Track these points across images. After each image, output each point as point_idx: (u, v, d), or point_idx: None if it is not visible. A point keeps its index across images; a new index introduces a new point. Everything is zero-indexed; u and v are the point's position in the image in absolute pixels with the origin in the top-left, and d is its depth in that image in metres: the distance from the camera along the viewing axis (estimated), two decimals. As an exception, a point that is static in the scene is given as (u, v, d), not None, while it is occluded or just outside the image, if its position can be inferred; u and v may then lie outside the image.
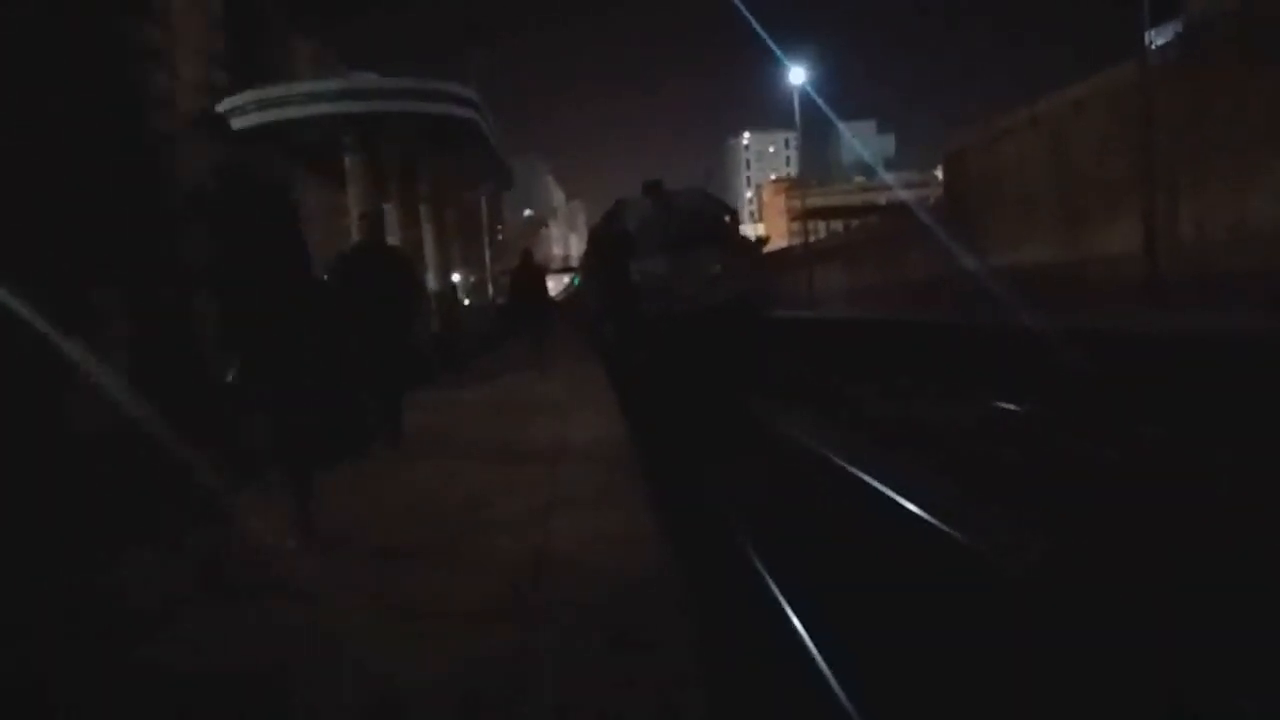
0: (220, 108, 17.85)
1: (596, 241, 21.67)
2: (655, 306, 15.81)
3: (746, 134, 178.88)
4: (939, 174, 49.15)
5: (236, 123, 17.58)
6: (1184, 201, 14.82)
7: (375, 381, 7.32)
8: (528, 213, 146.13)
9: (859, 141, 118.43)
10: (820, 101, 36.97)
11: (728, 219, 17.13)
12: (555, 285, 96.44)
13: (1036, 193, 19.77)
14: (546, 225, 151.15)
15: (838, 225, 50.25)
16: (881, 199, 53.28)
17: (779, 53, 36.68)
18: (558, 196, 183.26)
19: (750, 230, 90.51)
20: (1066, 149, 18.64)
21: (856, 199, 63.12)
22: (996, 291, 18.66)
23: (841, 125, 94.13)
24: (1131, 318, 13.36)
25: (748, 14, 51.20)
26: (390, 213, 20.12)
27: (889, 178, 66.05)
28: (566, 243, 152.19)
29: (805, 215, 39.79)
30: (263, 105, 16.92)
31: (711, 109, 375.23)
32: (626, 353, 16.40)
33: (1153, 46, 15.53)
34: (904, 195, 32.75)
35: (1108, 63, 17.20)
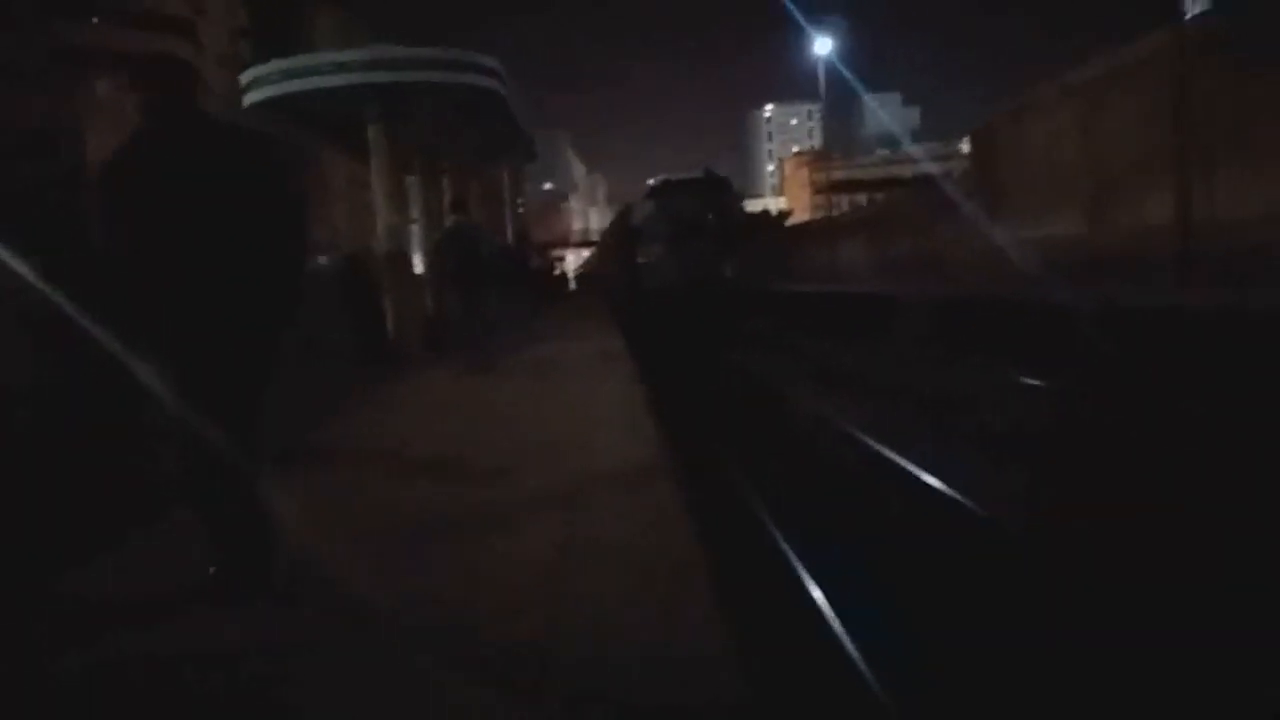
0: (245, 78, 17.84)
1: (612, 232, 32.27)
2: (654, 280, 22.88)
3: (769, 106, 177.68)
4: (963, 147, 48.57)
5: (261, 94, 17.64)
6: (1218, 175, 14.56)
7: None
8: (548, 186, 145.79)
9: (885, 114, 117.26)
10: (846, 72, 36.32)
11: (710, 217, 23.86)
12: (575, 259, 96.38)
13: (1066, 164, 19.49)
14: (567, 199, 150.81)
15: (860, 199, 49.85)
16: (906, 172, 52.75)
17: (804, 23, 36.16)
18: (578, 170, 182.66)
19: (771, 204, 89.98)
20: (1098, 120, 18.34)
21: (880, 172, 62.58)
22: (1020, 265, 18.56)
23: (867, 96, 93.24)
24: (1159, 292, 13.20)
25: (772, -16, 50.38)
26: (413, 184, 20.12)
27: (917, 149, 65.46)
28: (586, 217, 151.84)
29: (830, 189, 39.46)
30: (288, 75, 16.86)
31: (734, 81, 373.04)
32: (632, 310, 22.37)
33: (1188, 16, 15.23)
34: (931, 168, 32.44)
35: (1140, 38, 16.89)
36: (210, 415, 3.16)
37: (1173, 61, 14.54)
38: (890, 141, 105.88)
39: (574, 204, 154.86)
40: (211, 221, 3.12)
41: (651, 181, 36.68)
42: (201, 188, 3.13)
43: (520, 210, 60.96)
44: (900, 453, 7.64)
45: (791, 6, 36.00)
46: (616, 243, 30.25)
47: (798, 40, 39.49)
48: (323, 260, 31.18)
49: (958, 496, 6.27)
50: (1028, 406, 10.26)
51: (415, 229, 21.04)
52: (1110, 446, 7.86)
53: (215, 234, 3.12)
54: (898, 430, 8.78)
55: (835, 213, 38.72)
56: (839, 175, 51.17)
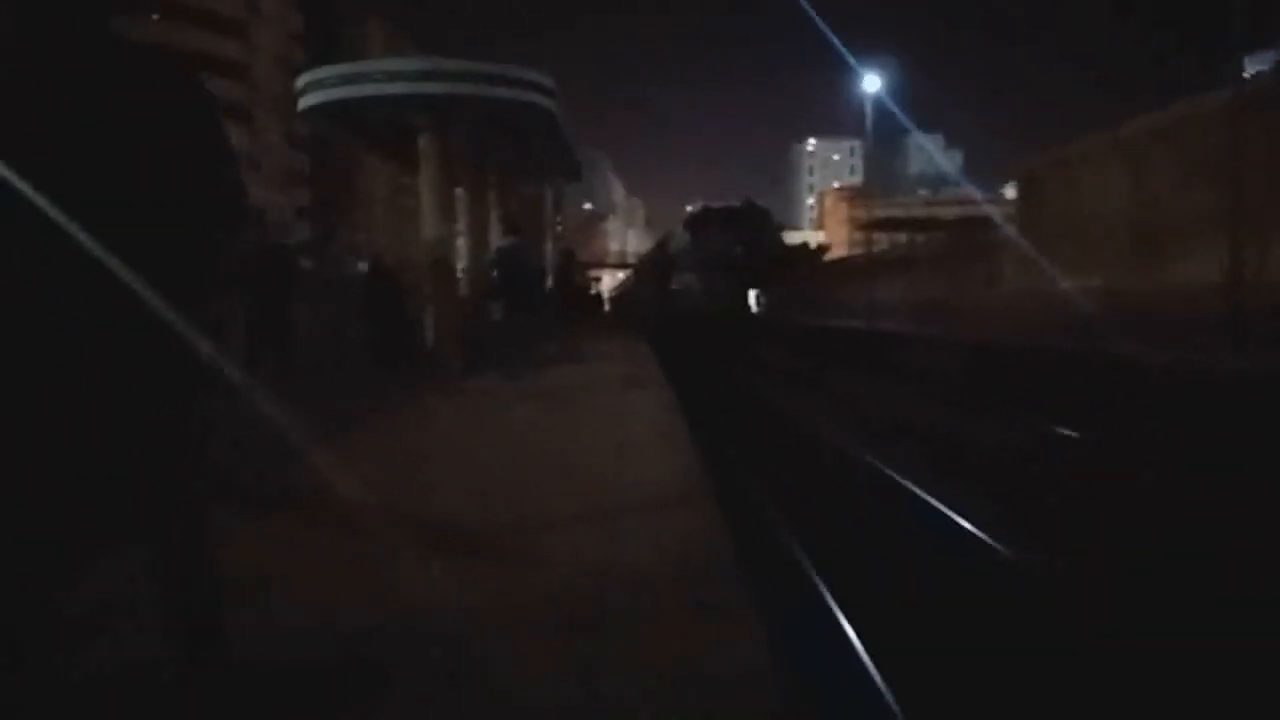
0: (300, 81, 18.10)
1: (650, 260, 36.67)
2: (685, 305, 25.29)
3: (811, 140, 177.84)
4: (1006, 193, 48.27)
5: (317, 97, 17.88)
6: (1270, 237, 14.36)
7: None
8: (588, 206, 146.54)
9: (932, 154, 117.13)
10: (897, 110, 36.33)
11: (739, 250, 25.51)
12: (611, 280, 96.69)
13: (1113, 218, 19.32)
14: (606, 220, 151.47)
15: (900, 238, 49.60)
16: (949, 213, 52.49)
17: (852, 60, 36.26)
18: (618, 191, 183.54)
19: (810, 237, 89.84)
20: (1147, 176, 18.19)
21: (921, 212, 62.33)
22: (1064, 315, 18.41)
23: (919, 134, 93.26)
24: (1206, 352, 13.00)
25: (820, 21, 50.65)
26: (460, 197, 20.27)
27: (968, 190, 65.52)
28: (625, 238, 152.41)
29: (871, 225, 39.34)
30: (342, 81, 17.06)
31: (777, 112, 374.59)
32: (664, 331, 25.11)
33: (1246, 74, 15.07)
34: (989, 210, 32.38)
35: (1183, 95, 16.83)
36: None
37: (1230, 121, 14.38)
38: (930, 182, 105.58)
39: (612, 225, 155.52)
40: (97, 178, 1.90)
41: (690, 208, 37.60)
42: (89, 128, 1.90)
43: (559, 229, 61.41)
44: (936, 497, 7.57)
45: (839, 44, 36.09)
46: (653, 268, 32.43)
47: (841, 76, 39.73)
48: (362, 265, 31.40)
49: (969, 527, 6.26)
50: (1046, 454, 10.11)
51: (460, 241, 21.18)
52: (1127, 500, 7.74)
53: (101, 197, 1.89)
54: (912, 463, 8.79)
55: (874, 250, 38.55)
56: (880, 212, 50.95)
